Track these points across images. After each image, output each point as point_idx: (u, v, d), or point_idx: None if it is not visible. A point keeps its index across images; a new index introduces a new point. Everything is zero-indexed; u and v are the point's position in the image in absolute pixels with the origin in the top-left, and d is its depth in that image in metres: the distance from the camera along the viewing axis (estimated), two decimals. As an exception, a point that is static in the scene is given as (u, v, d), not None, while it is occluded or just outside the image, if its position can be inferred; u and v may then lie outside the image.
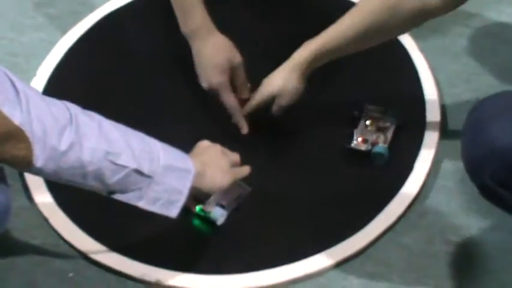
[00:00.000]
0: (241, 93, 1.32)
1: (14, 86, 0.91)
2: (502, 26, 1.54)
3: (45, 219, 1.28)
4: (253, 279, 1.19)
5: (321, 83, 1.43)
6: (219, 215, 1.24)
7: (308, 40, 1.23)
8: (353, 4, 1.23)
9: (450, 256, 1.21)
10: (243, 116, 1.32)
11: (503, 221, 1.22)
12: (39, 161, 0.93)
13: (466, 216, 1.25)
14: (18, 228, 1.26)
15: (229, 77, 1.30)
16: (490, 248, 1.22)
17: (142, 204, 1.03)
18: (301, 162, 1.33)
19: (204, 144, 1.18)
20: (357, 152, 1.31)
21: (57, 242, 1.26)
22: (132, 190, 1.01)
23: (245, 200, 1.27)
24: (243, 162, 1.31)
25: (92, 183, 0.99)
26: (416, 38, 1.49)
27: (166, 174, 1.02)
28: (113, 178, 0.99)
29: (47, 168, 0.94)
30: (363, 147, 1.30)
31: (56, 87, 1.48)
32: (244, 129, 1.33)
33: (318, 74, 1.44)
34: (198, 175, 1.06)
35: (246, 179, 1.23)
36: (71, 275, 1.22)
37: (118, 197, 1.03)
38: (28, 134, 0.91)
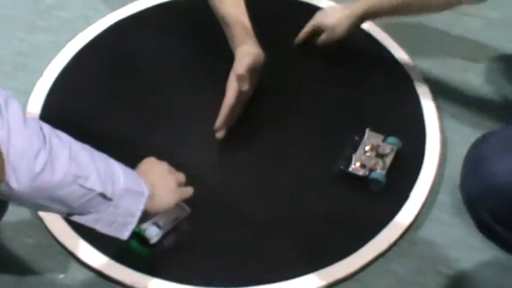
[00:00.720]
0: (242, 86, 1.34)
1: None
2: (507, 60, 1.55)
3: (40, 219, 1.28)
4: (242, 295, 1.20)
5: (323, 105, 1.45)
6: (153, 234, 1.23)
7: None
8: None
9: (440, 287, 1.22)
10: (225, 121, 1.35)
11: (496, 257, 1.22)
12: (12, 181, 0.89)
13: (459, 249, 1.25)
14: (12, 227, 1.26)
15: (251, 73, 1.34)
16: (481, 283, 1.22)
17: (98, 227, 1.02)
18: (297, 183, 1.33)
19: (151, 161, 1.16)
20: (354, 176, 1.31)
21: (50, 243, 1.26)
22: (91, 212, 1.01)
23: (183, 222, 1.26)
24: (242, 180, 1.32)
25: (56, 206, 0.97)
26: (421, 67, 1.50)
27: (124, 197, 1.02)
28: (78, 201, 0.98)
29: (19, 189, 0.90)
30: (361, 172, 1.31)
31: (61, 90, 1.49)
32: (219, 134, 1.35)
33: (322, 95, 1.46)
34: (149, 196, 1.06)
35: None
36: (61, 276, 1.22)
37: (75, 218, 1.01)
38: (4, 151, 0.88)
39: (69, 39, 1.58)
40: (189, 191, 1.20)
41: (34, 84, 1.49)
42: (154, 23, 1.62)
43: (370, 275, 1.23)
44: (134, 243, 1.23)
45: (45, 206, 0.96)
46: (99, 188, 0.98)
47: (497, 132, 1.08)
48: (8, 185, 0.90)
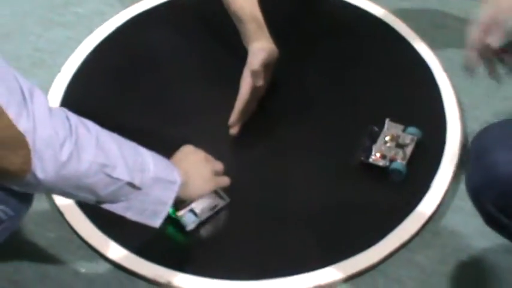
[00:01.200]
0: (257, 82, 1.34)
1: (22, 89, 0.88)
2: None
3: (61, 214, 1.28)
4: (264, 287, 1.19)
5: (342, 96, 1.44)
6: (190, 221, 1.23)
7: None
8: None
9: (463, 277, 1.21)
10: (239, 116, 1.35)
11: (518, 245, 1.21)
12: (38, 171, 0.90)
13: (481, 239, 1.24)
14: (34, 221, 1.27)
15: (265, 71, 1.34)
16: (503, 271, 1.21)
17: (129, 215, 1.03)
18: (318, 175, 1.33)
19: (188, 149, 1.18)
20: (374, 167, 1.31)
21: (71, 237, 1.27)
22: (121, 201, 1.01)
23: (222, 210, 1.26)
24: (261, 173, 1.32)
25: (84, 195, 0.98)
26: (441, 58, 1.49)
27: (154, 185, 1.02)
28: (105, 190, 0.98)
29: (45, 179, 0.91)
30: (381, 163, 1.30)
31: (79, 85, 1.49)
32: (233, 130, 1.36)
33: (340, 87, 1.45)
34: (181, 185, 1.06)
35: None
36: (83, 270, 1.23)
37: (106, 206, 1.02)
38: (30, 142, 0.88)
39: (86, 35, 1.59)
40: (225, 180, 1.21)
41: (52, 80, 1.49)
42: (168, 18, 1.62)
43: (393, 266, 1.22)
44: (170, 229, 1.23)
45: (72, 194, 0.97)
46: (126, 178, 0.98)
47: (499, 124, 1.07)
48: (34, 175, 0.90)
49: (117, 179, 0.98)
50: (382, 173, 1.30)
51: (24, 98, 0.88)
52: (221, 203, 1.27)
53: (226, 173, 1.31)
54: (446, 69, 1.47)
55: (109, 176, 0.97)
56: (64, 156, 0.91)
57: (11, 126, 0.86)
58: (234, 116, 1.35)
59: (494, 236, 1.22)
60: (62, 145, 0.91)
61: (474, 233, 1.25)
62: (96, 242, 1.25)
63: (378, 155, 1.31)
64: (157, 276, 1.20)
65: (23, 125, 0.87)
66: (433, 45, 1.52)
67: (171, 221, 1.23)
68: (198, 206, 1.23)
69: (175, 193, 1.05)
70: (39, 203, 1.29)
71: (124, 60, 1.54)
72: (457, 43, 1.54)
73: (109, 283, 1.21)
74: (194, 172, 1.12)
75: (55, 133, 0.90)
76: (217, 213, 1.27)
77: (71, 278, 1.22)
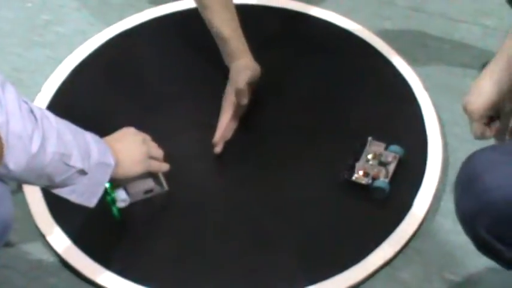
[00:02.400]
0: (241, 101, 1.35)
1: None
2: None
3: (42, 236, 1.27)
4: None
5: (324, 115, 1.44)
6: (120, 198, 1.25)
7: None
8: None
9: (447, 294, 1.21)
10: (223, 135, 1.36)
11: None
12: (10, 163, 0.94)
13: (464, 255, 1.25)
14: (15, 243, 1.25)
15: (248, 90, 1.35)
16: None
17: (73, 197, 1.08)
18: (299, 192, 1.33)
19: (127, 130, 1.22)
20: (357, 185, 1.31)
21: (53, 259, 1.25)
22: (68, 185, 1.06)
23: (158, 198, 1.28)
24: (243, 190, 1.32)
25: (42, 182, 1.03)
26: (421, 76, 1.50)
27: (96, 170, 1.08)
28: (60, 177, 1.03)
29: (15, 170, 0.95)
30: (364, 181, 1.31)
31: (59, 105, 1.48)
32: (218, 148, 1.36)
33: (322, 105, 1.46)
34: (115, 166, 1.12)
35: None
36: (65, 293, 1.22)
37: (55, 191, 1.06)
38: (3, 135, 0.92)
39: (67, 55, 1.58)
40: (162, 166, 1.25)
41: (33, 100, 1.48)
42: (150, 37, 1.62)
43: (377, 283, 1.22)
44: (109, 199, 1.24)
45: (33, 182, 1.03)
46: (80, 165, 1.04)
47: (488, 149, 1.07)
48: (6, 166, 0.94)
49: (72, 167, 1.03)
50: (365, 190, 1.30)
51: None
52: (158, 189, 1.28)
53: (210, 190, 1.31)
54: (426, 87, 1.48)
55: (66, 164, 1.02)
56: (34, 148, 0.96)
57: None
58: (217, 135, 1.35)
59: (477, 253, 1.22)
60: (31, 138, 0.95)
61: (457, 249, 1.26)
62: (78, 263, 1.23)
63: (361, 173, 1.31)
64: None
65: None
66: (413, 63, 1.53)
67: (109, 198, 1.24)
68: (133, 186, 1.25)
69: (109, 174, 1.11)
70: (20, 225, 1.28)
71: (105, 79, 1.53)
72: (437, 61, 1.56)
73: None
74: (127, 152, 1.17)
75: (24, 126, 0.94)
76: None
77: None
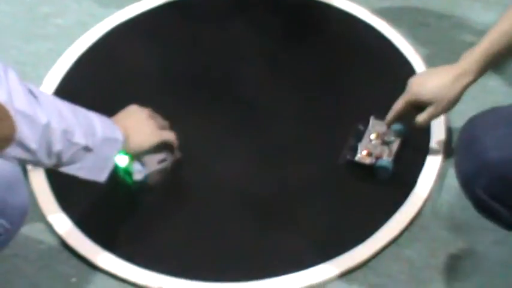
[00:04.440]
0: None
1: None
2: None
3: (50, 225, 1.28)
4: (257, 287, 1.19)
5: (326, 96, 1.45)
6: (136, 170, 1.26)
7: (469, 49, 1.20)
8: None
9: (452, 270, 1.22)
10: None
11: (507, 235, 1.22)
12: (26, 140, 0.96)
13: (470, 231, 1.25)
14: (23, 233, 1.26)
15: None
16: (493, 263, 1.22)
17: (81, 174, 1.09)
18: (305, 174, 1.33)
19: (131, 108, 1.24)
20: (361, 165, 1.31)
21: (61, 247, 1.26)
22: (75, 163, 1.07)
23: (173, 166, 1.30)
24: (248, 172, 1.33)
25: (51, 162, 1.04)
26: (422, 54, 1.50)
27: (102, 146, 1.09)
28: (67, 155, 1.04)
29: (29, 146, 0.98)
30: (367, 161, 1.31)
31: (62, 96, 1.46)
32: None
33: (324, 87, 1.46)
34: (123, 141, 1.13)
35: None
36: (74, 280, 1.22)
37: (62, 169, 1.08)
38: (11, 112, 0.94)
39: (67, 46, 1.58)
40: (172, 134, 1.28)
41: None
42: (150, 27, 1.62)
43: (383, 261, 1.23)
44: (121, 172, 1.25)
45: (42, 162, 1.02)
46: (83, 142, 1.05)
47: (484, 113, 1.08)
48: (21, 143, 0.96)
49: (76, 144, 1.04)
50: (368, 170, 1.31)
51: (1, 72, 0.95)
52: (171, 158, 1.30)
53: (214, 173, 1.32)
54: (428, 66, 1.48)
55: (69, 141, 1.03)
56: (43, 121, 0.98)
57: None
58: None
59: (483, 228, 1.24)
60: (36, 115, 0.97)
61: (462, 225, 1.26)
62: (86, 251, 1.24)
63: (364, 153, 1.32)
64: (148, 282, 1.20)
65: (2, 97, 0.93)
66: (414, 43, 1.53)
67: (125, 174, 1.25)
68: (148, 157, 1.27)
69: (118, 149, 1.13)
70: (28, 215, 1.29)
71: (106, 70, 1.54)
72: (438, 39, 1.56)
73: (101, 291, 1.21)
74: (136, 127, 1.19)
75: (29, 103, 0.97)
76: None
77: (62, 288, 1.22)
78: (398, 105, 1.28)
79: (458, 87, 1.20)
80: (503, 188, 1.01)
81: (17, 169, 1.03)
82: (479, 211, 1.07)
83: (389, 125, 1.32)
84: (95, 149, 1.08)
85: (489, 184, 1.01)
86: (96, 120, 1.10)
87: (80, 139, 1.05)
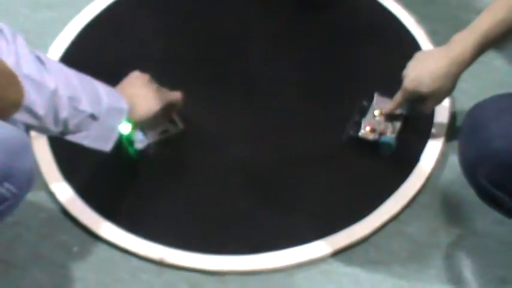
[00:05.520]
0: None
1: (5, 34, 0.98)
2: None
3: (52, 193, 1.28)
4: (257, 261, 1.20)
5: (330, 72, 1.44)
6: (138, 139, 1.28)
7: (458, 33, 1.18)
8: None
9: (453, 247, 1.22)
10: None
11: (507, 215, 1.23)
12: (34, 106, 0.99)
13: (471, 209, 1.26)
14: (25, 201, 1.26)
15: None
16: (493, 241, 1.22)
17: (86, 142, 1.11)
18: (308, 149, 1.33)
19: (133, 75, 1.24)
20: (364, 141, 1.31)
21: (63, 216, 1.27)
22: (81, 131, 1.09)
23: (175, 136, 1.31)
24: (251, 150, 1.34)
25: (58, 129, 1.06)
26: (428, 32, 1.50)
27: (107, 115, 1.11)
28: (73, 122, 1.07)
29: (37, 112, 1.00)
30: (371, 137, 1.31)
31: (67, 65, 1.47)
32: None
33: (329, 63, 1.46)
34: (128, 110, 1.14)
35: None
36: (75, 249, 1.23)
37: (69, 137, 1.09)
38: (20, 78, 0.96)
39: (73, 16, 1.58)
40: (175, 94, 1.27)
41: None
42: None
43: (384, 238, 1.23)
44: (127, 141, 1.24)
45: (49, 129, 1.05)
46: (89, 110, 1.07)
47: (489, 100, 1.07)
48: (29, 109, 0.98)
49: (82, 111, 1.06)
50: (371, 146, 1.31)
51: (8, 41, 0.98)
52: (173, 129, 1.31)
53: (216, 149, 1.33)
54: (433, 43, 1.47)
55: (76, 108, 1.05)
56: (51, 87, 1.00)
57: (2, 65, 0.96)
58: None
59: (484, 207, 1.23)
60: (44, 79, 0.99)
61: (464, 203, 1.26)
62: (88, 220, 1.25)
63: (368, 129, 1.32)
64: (149, 253, 1.21)
65: (11, 63, 0.96)
66: (420, 20, 1.52)
67: (127, 142, 1.25)
68: (149, 128, 1.28)
69: (122, 119, 1.13)
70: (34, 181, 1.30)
71: (112, 41, 1.53)
72: (444, 17, 1.55)
73: (102, 261, 1.22)
74: (139, 94, 1.19)
75: (37, 69, 0.99)
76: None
77: (63, 257, 1.22)
78: (396, 101, 1.28)
79: (454, 76, 1.20)
80: (507, 176, 1.01)
81: (24, 134, 1.03)
82: (481, 198, 1.07)
83: (387, 113, 1.32)
84: (101, 117, 1.09)
85: (493, 172, 1.01)
86: (101, 89, 1.11)
87: (86, 106, 1.06)
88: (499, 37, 1.15)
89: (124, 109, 1.13)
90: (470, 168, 1.05)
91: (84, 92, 1.06)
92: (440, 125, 1.35)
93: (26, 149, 1.02)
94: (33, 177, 1.05)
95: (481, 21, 1.16)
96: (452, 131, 1.35)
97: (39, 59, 1.00)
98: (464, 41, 1.16)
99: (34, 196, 1.28)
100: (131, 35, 1.53)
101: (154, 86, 1.23)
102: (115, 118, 1.12)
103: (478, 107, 1.07)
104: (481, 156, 1.02)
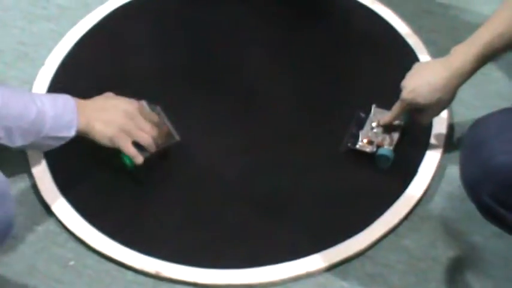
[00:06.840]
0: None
1: None
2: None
3: (48, 206, 1.28)
4: (253, 274, 1.19)
5: (328, 83, 1.44)
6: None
7: (458, 45, 1.18)
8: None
9: (451, 261, 1.21)
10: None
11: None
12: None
13: (469, 222, 1.25)
14: (22, 215, 1.26)
15: None
16: (492, 255, 1.21)
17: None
18: (305, 161, 1.33)
19: (105, 95, 1.29)
20: (361, 153, 1.31)
21: (59, 230, 1.26)
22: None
23: (171, 148, 1.30)
24: (248, 160, 1.33)
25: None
26: (426, 43, 1.49)
27: (43, 141, 1.19)
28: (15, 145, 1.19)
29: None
30: (368, 149, 1.30)
31: (63, 78, 1.48)
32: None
33: (327, 74, 1.45)
34: (83, 131, 1.21)
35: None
36: (72, 263, 1.22)
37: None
38: None
39: (70, 27, 1.57)
40: (143, 136, 1.25)
41: (36, 74, 1.48)
42: (154, 9, 1.61)
43: (381, 251, 1.22)
44: (121, 154, 1.25)
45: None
46: (20, 143, 1.16)
47: (491, 115, 1.06)
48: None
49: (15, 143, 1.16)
50: (369, 159, 1.30)
51: None
52: (169, 140, 1.30)
53: (214, 159, 1.32)
54: (431, 54, 1.47)
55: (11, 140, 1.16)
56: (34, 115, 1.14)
57: None
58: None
59: (482, 220, 1.22)
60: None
61: (462, 217, 1.26)
62: (84, 234, 1.24)
63: (365, 141, 1.31)
64: (144, 267, 1.20)
65: None
66: (418, 30, 1.52)
67: (124, 155, 1.25)
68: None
69: (62, 142, 1.21)
70: (26, 197, 1.30)
71: (108, 52, 1.53)
72: (442, 28, 1.55)
73: (98, 275, 1.21)
74: (98, 117, 1.22)
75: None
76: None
77: (59, 271, 1.21)
78: (394, 112, 1.28)
79: (453, 89, 1.20)
80: (510, 193, 1.00)
81: (3, 182, 1.02)
82: (483, 215, 1.06)
83: (385, 123, 1.31)
84: (37, 141, 1.18)
85: (496, 190, 0.99)
86: (48, 116, 1.17)
87: (17, 141, 1.16)
88: (500, 50, 1.15)
89: (67, 137, 1.20)
90: (472, 185, 1.04)
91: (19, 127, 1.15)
92: (439, 136, 1.35)
93: (5, 197, 1.02)
94: (13, 224, 1.05)
95: (482, 34, 1.15)
96: (450, 143, 1.35)
97: None
98: (464, 53, 1.16)
99: (30, 209, 1.28)
100: (127, 47, 1.53)
101: (119, 113, 1.24)
102: (54, 142, 1.20)
103: (479, 124, 1.06)
104: (484, 173, 1.00)
